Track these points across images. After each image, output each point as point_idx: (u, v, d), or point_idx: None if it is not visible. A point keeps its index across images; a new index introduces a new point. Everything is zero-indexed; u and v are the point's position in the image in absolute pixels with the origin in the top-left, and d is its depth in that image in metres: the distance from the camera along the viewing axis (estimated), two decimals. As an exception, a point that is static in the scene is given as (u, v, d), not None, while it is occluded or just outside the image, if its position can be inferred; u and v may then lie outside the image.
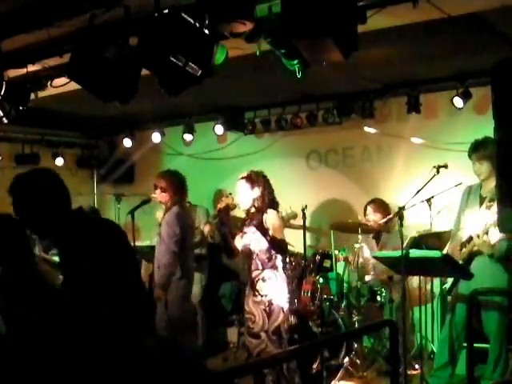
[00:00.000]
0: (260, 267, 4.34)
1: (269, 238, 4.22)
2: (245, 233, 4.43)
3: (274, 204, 4.43)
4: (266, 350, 4.22)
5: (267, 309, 4.27)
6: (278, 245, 4.28)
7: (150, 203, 5.21)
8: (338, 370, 5.10)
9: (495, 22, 4.08)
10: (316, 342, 4.68)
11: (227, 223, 4.43)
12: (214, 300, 6.48)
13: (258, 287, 4.32)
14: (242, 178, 4.41)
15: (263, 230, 4.25)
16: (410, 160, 6.18)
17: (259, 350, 4.27)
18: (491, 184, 4.29)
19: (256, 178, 4.40)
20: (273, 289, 4.30)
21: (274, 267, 4.35)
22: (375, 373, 5.18)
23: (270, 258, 4.34)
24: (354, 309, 5.43)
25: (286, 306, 4.33)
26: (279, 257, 4.40)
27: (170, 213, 5.05)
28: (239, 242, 4.47)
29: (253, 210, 4.37)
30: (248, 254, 4.41)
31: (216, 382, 2.27)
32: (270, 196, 4.43)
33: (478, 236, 4.22)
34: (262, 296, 4.30)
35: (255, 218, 4.32)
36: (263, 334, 4.26)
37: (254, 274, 4.36)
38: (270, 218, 4.33)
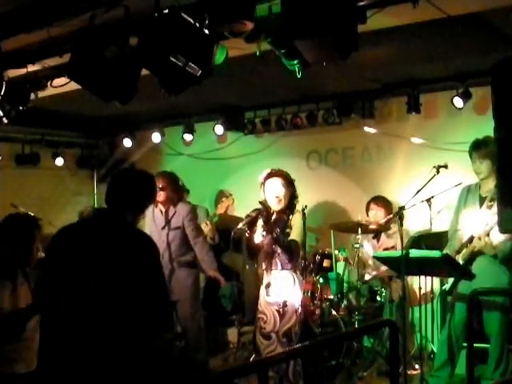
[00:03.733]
0: (279, 267, 4.31)
1: (275, 235, 4.19)
2: (270, 231, 4.32)
3: (295, 208, 4.41)
4: (275, 352, 4.17)
5: (281, 310, 4.24)
6: (284, 246, 4.23)
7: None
8: (337, 370, 5.10)
9: (495, 21, 4.08)
10: (316, 341, 4.67)
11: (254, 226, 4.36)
12: (214, 300, 6.47)
13: (273, 287, 4.29)
14: (278, 176, 4.33)
15: (283, 228, 4.24)
16: (410, 160, 6.17)
17: (269, 351, 4.22)
18: (491, 184, 4.29)
19: (290, 178, 4.38)
20: (289, 290, 4.27)
21: (293, 269, 4.31)
22: (375, 373, 5.18)
23: (290, 260, 4.29)
24: (353, 309, 5.43)
25: (300, 309, 4.28)
26: (299, 259, 4.35)
27: (185, 208, 5.28)
28: (258, 236, 4.35)
29: (278, 208, 4.31)
30: (269, 253, 4.35)
31: (216, 382, 2.27)
32: (297, 199, 4.42)
33: (480, 238, 4.20)
34: (276, 297, 4.27)
35: (281, 218, 4.29)
36: (274, 335, 4.23)
37: (272, 273, 4.33)
38: (295, 220, 4.31)
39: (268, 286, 4.33)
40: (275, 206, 4.35)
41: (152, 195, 3.11)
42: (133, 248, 2.78)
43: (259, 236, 4.31)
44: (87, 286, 2.66)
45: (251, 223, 4.33)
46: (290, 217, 4.33)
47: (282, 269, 4.31)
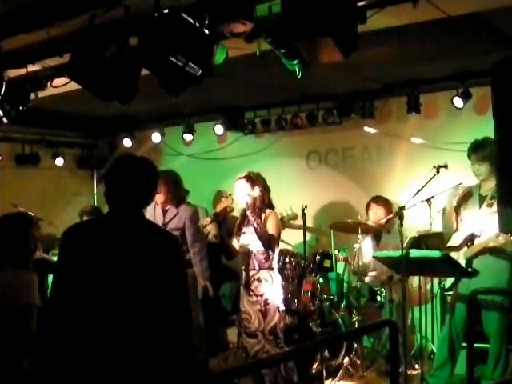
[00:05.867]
0: (257, 267, 4.40)
1: (256, 225, 4.26)
2: (243, 233, 4.48)
3: (271, 205, 4.50)
4: (264, 350, 4.29)
5: (263, 309, 4.34)
6: (263, 237, 4.30)
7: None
8: (338, 370, 5.10)
9: (495, 22, 4.08)
10: (316, 342, 4.68)
11: (225, 226, 4.49)
12: (214, 300, 6.48)
13: (252, 287, 4.39)
14: (241, 177, 4.47)
15: (259, 228, 4.29)
16: (410, 160, 6.17)
17: (257, 350, 4.33)
18: (491, 183, 4.28)
19: (256, 178, 4.46)
20: (268, 289, 4.36)
21: (270, 268, 4.40)
22: (375, 373, 5.18)
23: (267, 259, 4.39)
24: (354, 309, 5.43)
25: (281, 306, 4.39)
26: (276, 257, 4.44)
27: (188, 210, 5.20)
28: (237, 243, 4.52)
29: (250, 210, 4.38)
30: (246, 254, 4.45)
31: (216, 382, 2.27)
32: (269, 197, 4.48)
33: (498, 235, 4.13)
34: (257, 296, 4.35)
35: (254, 217, 4.34)
36: (260, 334, 4.32)
37: (250, 273, 4.42)
38: (269, 218, 4.38)
39: (247, 285, 4.43)
40: (244, 206, 4.45)
41: (157, 184, 2.90)
42: (162, 249, 2.63)
43: (235, 240, 4.52)
44: (115, 287, 2.52)
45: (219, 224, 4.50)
46: (262, 215, 4.38)
47: (260, 268, 4.39)
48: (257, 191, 4.41)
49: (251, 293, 4.38)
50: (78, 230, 2.72)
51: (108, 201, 2.72)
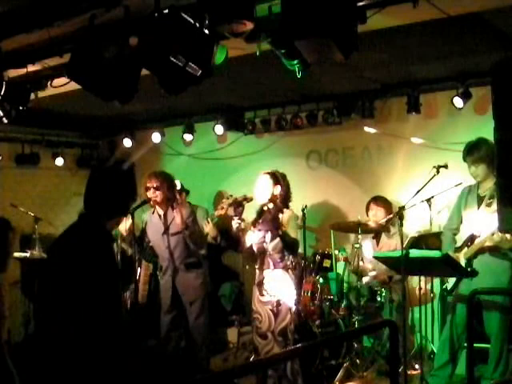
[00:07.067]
0: (271, 267, 4.33)
1: (281, 233, 4.20)
2: (259, 230, 4.38)
3: (288, 205, 4.45)
4: (273, 351, 4.23)
5: (275, 309, 4.27)
6: (289, 242, 4.25)
7: (149, 203, 5.21)
8: (338, 370, 5.10)
9: (495, 21, 4.08)
10: (316, 342, 4.67)
11: (241, 215, 4.39)
12: (214, 300, 6.48)
13: (266, 287, 4.31)
14: (267, 173, 4.42)
15: (276, 225, 4.23)
16: (410, 160, 6.17)
17: (267, 351, 4.27)
18: (489, 184, 4.30)
19: (281, 177, 4.42)
20: (282, 289, 4.29)
21: (286, 268, 4.33)
22: (375, 373, 5.18)
23: (282, 258, 4.32)
24: (354, 309, 5.43)
25: (293, 307, 4.32)
26: (290, 258, 4.38)
27: (186, 210, 5.14)
28: (250, 237, 4.40)
29: (270, 206, 4.29)
30: (261, 251, 4.38)
31: (216, 382, 2.27)
32: (289, 198, 4.44)
33: (494, 233, 4.14)
34: (270, 296, 4.29)
35: (271, 215, 4.28)
36: (270, 335, 4.26)
37: (265, 273, 4.35)
38: (287, 218, 4.32)
39: (260, 284, 4.38)
40: (259, 201, 4.38)
41: (130, 193, 3.07)
42: (89, 259, 2.79)
43: (250, 235, 4.39)
44: (47, 296, 2.79)
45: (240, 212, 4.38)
46: (280, 216, 4.33)
47: (275, 268, 4.34)
48: (278, 190, 4.36)
49: (264, 292, 4.32)
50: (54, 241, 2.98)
51: None
